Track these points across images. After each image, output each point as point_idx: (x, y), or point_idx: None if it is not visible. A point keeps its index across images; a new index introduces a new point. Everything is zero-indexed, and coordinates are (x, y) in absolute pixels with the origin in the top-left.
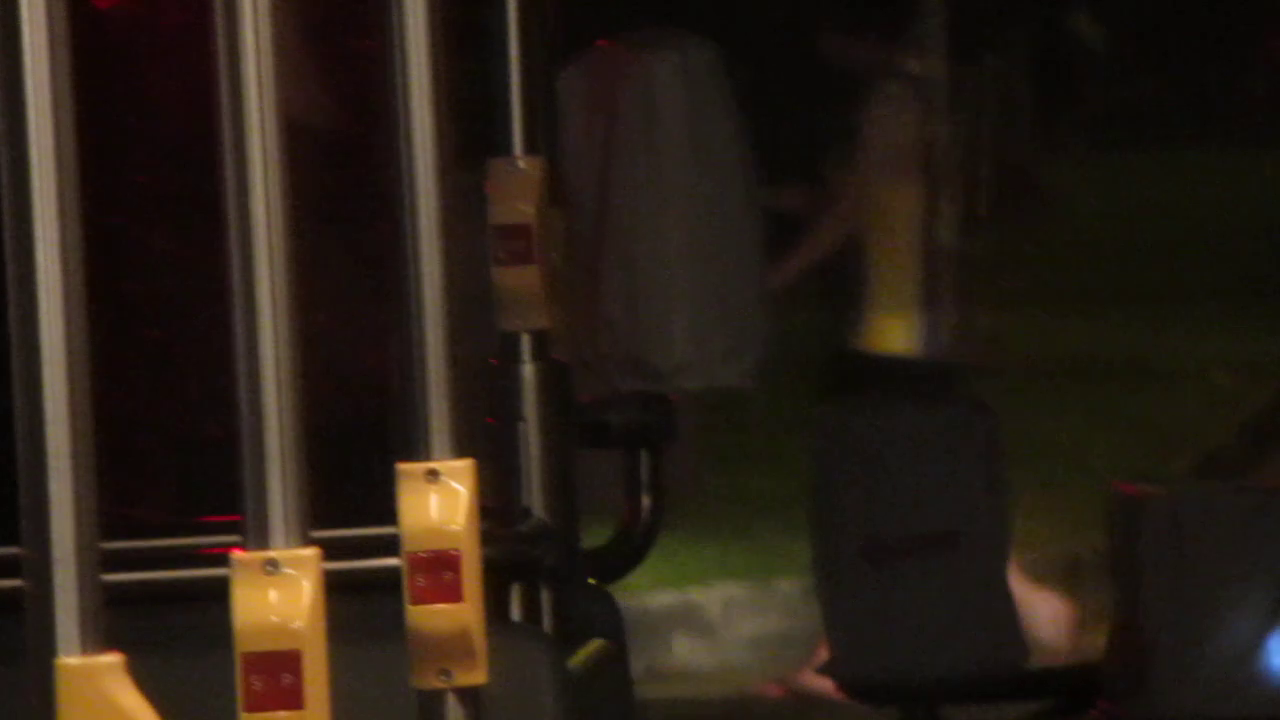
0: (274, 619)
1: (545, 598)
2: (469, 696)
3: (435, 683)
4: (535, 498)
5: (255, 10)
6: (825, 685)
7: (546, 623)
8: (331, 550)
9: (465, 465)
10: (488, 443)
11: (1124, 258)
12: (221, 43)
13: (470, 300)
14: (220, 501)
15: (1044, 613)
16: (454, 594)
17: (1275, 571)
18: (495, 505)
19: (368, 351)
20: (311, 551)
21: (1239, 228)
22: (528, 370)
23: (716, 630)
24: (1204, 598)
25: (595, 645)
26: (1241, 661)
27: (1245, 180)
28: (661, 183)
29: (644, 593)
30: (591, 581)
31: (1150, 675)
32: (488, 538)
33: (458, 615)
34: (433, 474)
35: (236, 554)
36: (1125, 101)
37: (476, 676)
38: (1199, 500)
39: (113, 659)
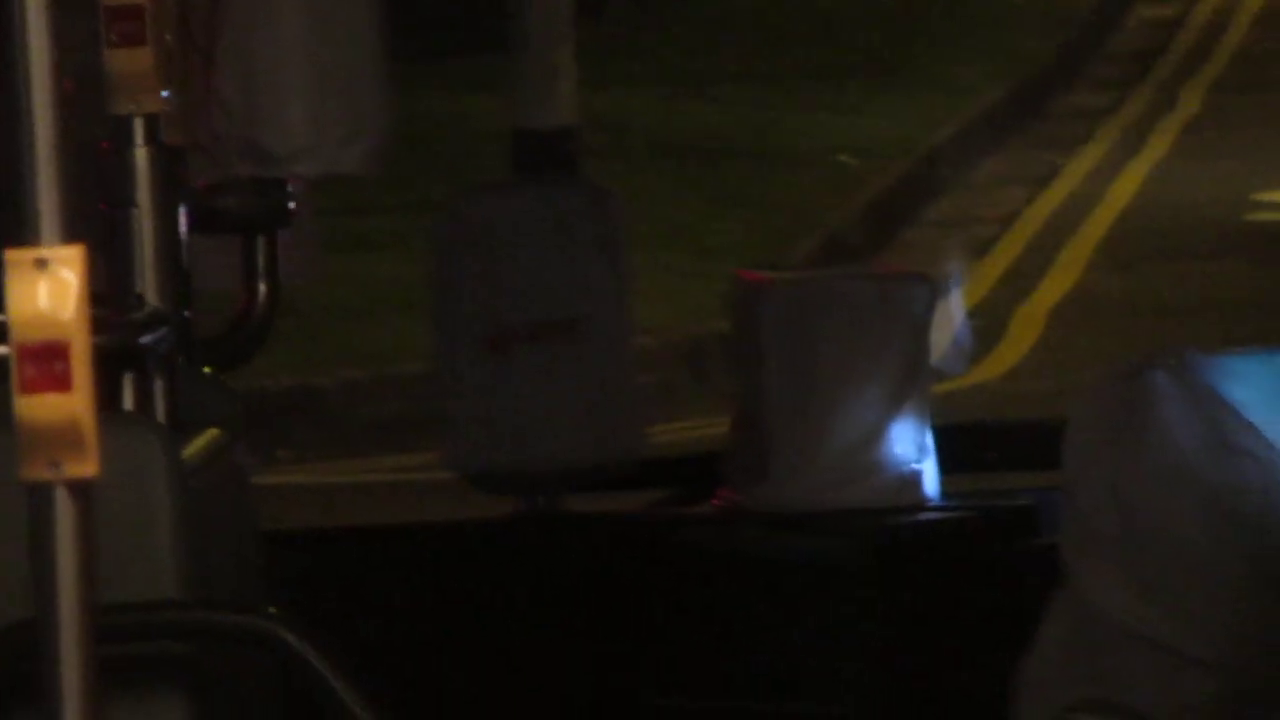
0: None
1: (158, 387)
2: (79, 488)
3: (45, 474)
4: (148, 285)
5: None
6: (447, 473)
7: (159, 412)
8: None
9: (75, 252)
10: (99, 229)
11: (748, 38)
12: None
13: (81, 82)
14: None
15: None
16: (64, 383)
17: (897, 359)
18: (107, 293)
19: None
20: None
21: (863, 10)
22: (140, 154)
23: (337, 416)
24: (825, 386)
25: (210, 434)
26: (861, 450)
27: None
28: None
29: (262, 379)
30: (207, 369)
31: (770, 464)
32: (99, 326)
33: (67, 405)
34: (41, 261)
35: None
36: None
37: (87, 468)
38: (822, 287)
39: None
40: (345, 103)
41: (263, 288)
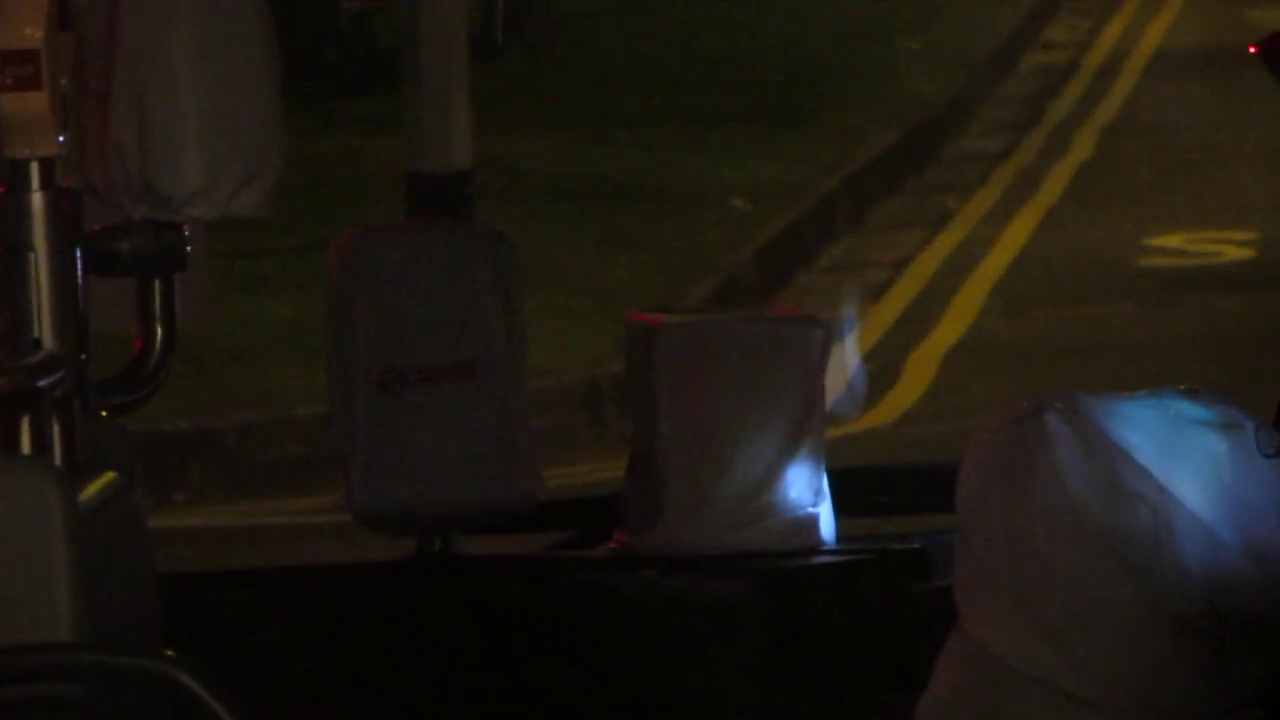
0: None
1: (55, 430)
2: None
3: None
4: (45, 328)
5: None
6: (344, 515)
7: (56, 455)
8: None
9: None
10: None
11: (642, 82)
12: None
13: None
14: None
15: None
16: None
17: (791, 402)
18: (4, 336)
19: None
20: None
21: (756, 54)
22: (36, 198)
23: (233, 459)
24: (719, 429)
25: (107, 477)
26: (756, 493)
27: (762, 4)
28: (172, 5)
29: (159, 422)
30: (104, 413)
31: (666, 507)
32: None
33: None
34: None
35: None
36: None
37: None
38: (715, 329)
39: None
40: (240, 145)
41: (159, 330)
